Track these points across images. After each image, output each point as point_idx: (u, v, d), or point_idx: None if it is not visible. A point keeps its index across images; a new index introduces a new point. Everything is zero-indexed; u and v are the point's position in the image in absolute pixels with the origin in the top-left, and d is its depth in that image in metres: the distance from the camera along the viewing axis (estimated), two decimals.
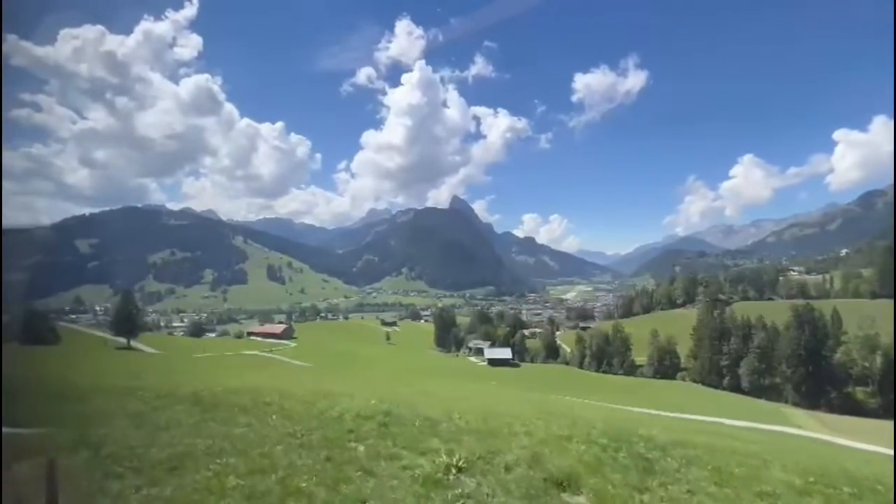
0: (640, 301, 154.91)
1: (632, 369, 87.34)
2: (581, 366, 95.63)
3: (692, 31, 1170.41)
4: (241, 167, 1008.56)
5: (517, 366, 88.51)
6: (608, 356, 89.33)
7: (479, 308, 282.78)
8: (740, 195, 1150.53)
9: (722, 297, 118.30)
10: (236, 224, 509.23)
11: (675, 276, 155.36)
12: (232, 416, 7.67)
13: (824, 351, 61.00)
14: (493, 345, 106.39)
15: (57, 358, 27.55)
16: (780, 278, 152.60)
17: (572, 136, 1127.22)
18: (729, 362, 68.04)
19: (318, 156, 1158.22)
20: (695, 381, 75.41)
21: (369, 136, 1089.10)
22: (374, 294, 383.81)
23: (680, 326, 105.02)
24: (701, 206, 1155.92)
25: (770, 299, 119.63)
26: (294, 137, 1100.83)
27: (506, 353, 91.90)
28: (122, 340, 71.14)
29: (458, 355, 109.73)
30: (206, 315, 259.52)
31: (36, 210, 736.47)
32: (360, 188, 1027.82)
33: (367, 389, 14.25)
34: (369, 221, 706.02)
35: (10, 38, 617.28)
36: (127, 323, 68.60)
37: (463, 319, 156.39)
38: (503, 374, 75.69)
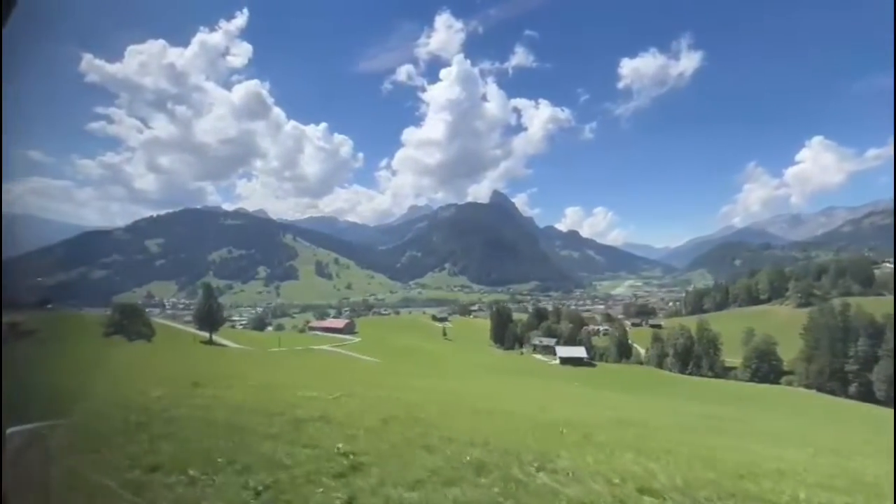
0: (713, 296, 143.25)
1: (723, 372, 79.48)
2: (661, 366, 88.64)
3: (752, 4, 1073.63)
4: (288, 168, 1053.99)
5: (593, 365, 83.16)
6: (694, 357, 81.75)
7: (523, 303, 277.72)
8: (808, 181, 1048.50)
9: (817, 292, 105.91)
10: (286, 223, 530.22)
11: (754, 270, 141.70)
12: None
13: None
14: (559, 342, 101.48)
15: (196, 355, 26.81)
16: (875, 271, 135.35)
17: (618, 125, 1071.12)
18: (858, 367, 59.19)
19: (360, 155, 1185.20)
20: (806, 388, 66.85)
21: (409, 133, 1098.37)
22: (417, 290, 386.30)
23: (767, 324, 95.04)
24: (762, 194, 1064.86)
25: (880, 294, 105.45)
26: (337, 137, 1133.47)
27: (580, 351, 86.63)
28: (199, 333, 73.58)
29: (521, 353, 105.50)
30: (261, 309, 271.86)
31: (111, 213, 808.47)
32: (401, 185, 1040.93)
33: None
34: (410, 218, 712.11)
35: (87, 57, 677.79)
36: (209, 318, 70.43)
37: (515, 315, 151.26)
38: (584, 375, 70.91)
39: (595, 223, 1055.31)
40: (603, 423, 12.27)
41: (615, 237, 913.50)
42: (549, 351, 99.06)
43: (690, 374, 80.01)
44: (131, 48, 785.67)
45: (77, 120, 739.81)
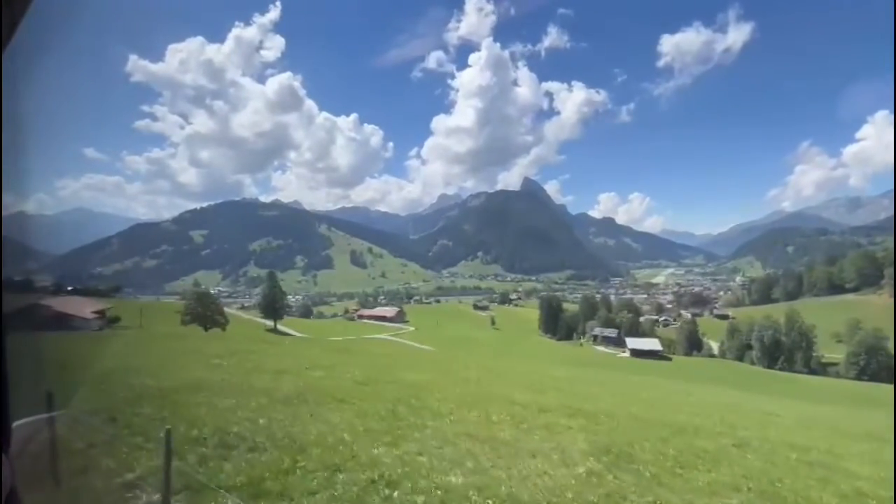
0: (784, 285, 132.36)
1: (821, 368, 72.06)
2: (740, 360, 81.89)
3: None
4: (321, 159, 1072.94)
5: (668, 359, 77.44)
6: (785, 351, 74.54)
7: (561, 291, 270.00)
8: (869, 161, 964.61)
9: None
10: (320, 213, 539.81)
11: (836, 257, 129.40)
12: None
13: None
14: (620, 333, 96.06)
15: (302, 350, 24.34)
16: None
17: (657, 106, 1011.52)
18: None
19: (390, 144, 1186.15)
20: None
21: (439, 121, 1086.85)
22: (451, 278, 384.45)
23: (858, 316, 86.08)
24: (816, 176, 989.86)
25: None
26: (367, 128, 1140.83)
27: (654, 343, 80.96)
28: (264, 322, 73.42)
29: (581, 343, 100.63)
30: (301, 297, 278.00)
31: (158, 206, 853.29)
32: (431, 174, 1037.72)
33: None
34: (440, 207, 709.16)
35: (132, 58, 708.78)
36: (274, 306, 69.85)
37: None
38: (666, 370, 65.63)
39: (631, 210, 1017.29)
40: None
41: (652, 224, 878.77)
42: (611, 342, 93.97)
43: (781, 369, 73.08)
44: (172, 47, 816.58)
45: (125, 118, 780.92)
